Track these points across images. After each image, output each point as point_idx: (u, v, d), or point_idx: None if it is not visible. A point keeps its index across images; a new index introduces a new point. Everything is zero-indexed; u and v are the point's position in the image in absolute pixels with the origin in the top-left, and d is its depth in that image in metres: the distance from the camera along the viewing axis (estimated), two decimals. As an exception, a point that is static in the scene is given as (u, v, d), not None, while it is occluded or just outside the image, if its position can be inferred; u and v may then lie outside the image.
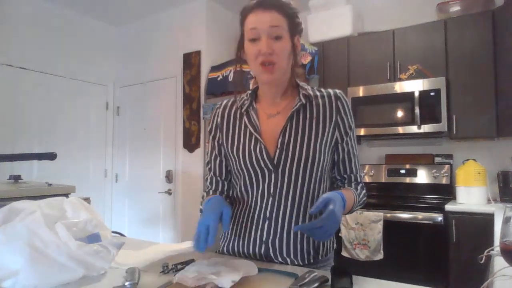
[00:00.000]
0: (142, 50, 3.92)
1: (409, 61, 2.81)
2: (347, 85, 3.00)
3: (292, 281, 0.78)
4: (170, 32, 3.69)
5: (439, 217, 2.35)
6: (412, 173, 2.95)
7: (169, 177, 3.59)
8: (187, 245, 1.13)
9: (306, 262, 1.01)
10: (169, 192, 3.59)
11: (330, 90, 1.07)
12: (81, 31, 3.77)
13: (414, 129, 2.71)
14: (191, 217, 3.36)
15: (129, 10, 3.72)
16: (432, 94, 2.66)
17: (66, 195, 1.84)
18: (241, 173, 1.07)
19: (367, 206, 2.54)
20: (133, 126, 3.95)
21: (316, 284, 0.77)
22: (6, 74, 3.19)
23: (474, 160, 2.57)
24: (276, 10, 0.96)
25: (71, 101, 3.67)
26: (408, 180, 2.96)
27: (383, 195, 2.97)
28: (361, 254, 2.48)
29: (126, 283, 0.78)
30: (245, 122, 1.08)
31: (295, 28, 1.01)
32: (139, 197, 3.83)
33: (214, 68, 3.39)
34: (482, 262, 1.06)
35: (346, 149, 1.06)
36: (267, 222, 1.02)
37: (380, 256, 2.42)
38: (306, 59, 2.99)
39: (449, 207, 2.37)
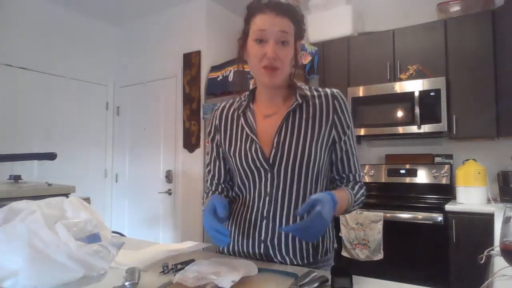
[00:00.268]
0: (142, 50, 3.92)
1: (409, 61, 2.81)
2: (347, 85, 3.00)
3: (292, 281, 0.78)
4: (170, 32, 3.69)
5: (439, 217, 2.35)
6: (412, 173, 2.95)
7: (169, 177, 3.59)
8: (187, 245, 1.13)
9: (306, 262, 1.01)
10: (169, 192, 3.59)
11: (328, 90, 1.07)
12: (81, 31, 3.77)
13: (414, 129, 2.71)
14: (191, 217, 3.36)
15: (129, 10, 3.72)
16: (432, 94, 2.66)
17: (66, 195, 1.84)
18: (239, 173, 1.07)
19: (367, 206, 2.54)
20: (133, 126, 3.95)
21: (316, 284, 0.77)
22: (6, 74, 3.19)
23: (474, 160, 2.57)
24: (288, 16, 0.96)
25: (71, 101, 3.67)
26: (408, 180, 2.96)
27: (383, 195, 2.97)
28: (361, 254, 2.48)
29: (126, 283, 0.78)
30: (241, 123, 1.09)
31: (300, 34, 1.02)
32: (139, 197, 3.83)
33: (214, 68, 3.39)
34: (482, 262, 1.06)
35: (344, 148, 1.06)
36: (264, 222, 1.03)
37: (380, 256, 2.42)
38: (306, 59, 2.99)
39: (449, 207, 2.37)
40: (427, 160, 2.98)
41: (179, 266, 0.90)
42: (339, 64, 3.09)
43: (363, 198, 1.08)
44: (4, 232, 0.80)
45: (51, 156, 2.17)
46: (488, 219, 2.15)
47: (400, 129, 2.77)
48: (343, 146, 1.05)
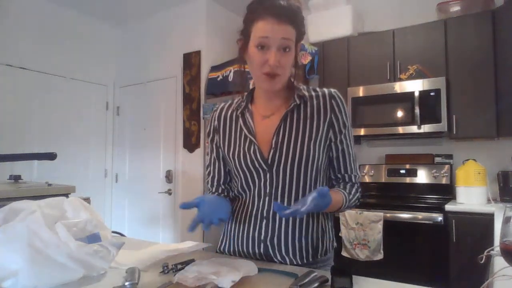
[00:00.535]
0: (142, 50, 3.92)
1: (409, 61, 2.81)
2: (347, 85, 3.00)
3: (292, 281, 0.78)
4: (170, 32, 3.69)
5: (439, 217, 2.35)
6: (412, 173, 2.95)
7: (169, 177, 3.59)
8: (187, 245, 1.13)
9: (305, 261, 1.02)
10: (169, 192, 3.58)
11: (325, 90, 1.07)
12: (81, 31, 3.77)
13: (414, 129, 2.71)
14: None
15: (129, 10, 3.72)
16: (432, 94, 2.66)
17: (66, 195, 1.84)
18: (238, 174, 1.08)
19: (367, 206, 2.54)
20: (133, 126, 3.95)
21: (316, 284, 0.77)
22: (6, 74, 3.19)
23: (474, 160, 2.57)
24: (290, 22, 0.95)
25: (71, 101, 3.67)
26: (408, 180, 2.96)
27: (383, 195, 2.97)
28: (361, 254, 2.48)
29: (126, 283, 0.78)
30: (240, 124, 1.09)
31: (300, 36, 1.02)
32: (139, 197, 3.83)
33: (214, 68, 3.39)
34: (482, 262, 1.06)
35: (340, 148, 1.06)
36: (264, 222, 1.03)
37: (380, 256, 2.42)
38: (306, 59, 2.99)
39: (449, 207, 2.37)
40: (427, 160, 2.98)
41: (179, 266, 0.90)
42: (339, 64, 3.09)
43: (357, 202, 1.08)
44: (4, 232, 0.80)
45: (51, 156, 2.17)
46: (488, 219, 2.15)
47: (400, 129, 2.77)
48: (339, 145, 1.05)
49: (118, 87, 4.10)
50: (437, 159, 2.97)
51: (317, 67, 3.09)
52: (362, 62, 2.99)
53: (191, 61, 3.48)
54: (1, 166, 2.72)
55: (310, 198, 0.85)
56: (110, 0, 3.49)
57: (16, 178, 2.27)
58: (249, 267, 0.85)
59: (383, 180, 3.05)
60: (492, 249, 1.09)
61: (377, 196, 2.97)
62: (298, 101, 1.04)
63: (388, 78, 2.87)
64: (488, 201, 2.48)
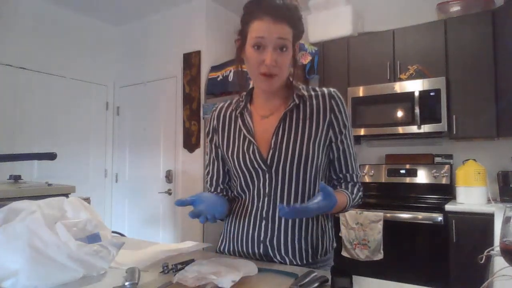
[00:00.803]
0: (142, 50, 3.92)
1: (409, 61, 2.81)
2: (347, 85, 3.00)
3: (292, 281, 0.78)
4: (170, 32, 3.69)
5: (439, 217, 2.35)
6: (412, 173, 2.95)
7: (169, 177, 3.59)
8: (187, 245, 1.13)
9: (305, 262, 1.01)
10: (169, 192, 3.58)
11: (325, 89, 1.07)
12: (81, 31, 3.77)
13: (414, 129, 2.71)
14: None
15: (129, 10, 3.72)
16: (432, 94, 2.66)
17: (66, 195, 1.84)
18: (237, 174, 1.08)
19: (367, 206, 2.54)
20: (133, 126, 3.95)
21: (316, 284, 0.77)
22: (6, 74, 3.19)
23: (474, 160, 2.57)
24: (286, 21, 0.95)
25: (71, 101, 3.67)
26: (408, 180, 2.96)
27: (383, 195, 2.97)
28: (361, 254, 2.48)
29: (126, 283, 0.78)
30: (239, 124, 1.09)
31: (298, 35, 1.01)
32: (139, 197, 3.83)
33: (214, 68, 3.39)
34: (482, 262, 1.06)
35: (341, 148, 1.05)
36: (264, 222, 1.03)
37: (380, 256, 2.42)
38: (306, 59, 2.99)
39: (449, 207, 2.37)
40: (427, 160, 2.98)
41: (179, 266, 0.90)
42: (339, 64, 3.09)
43: (360, 201, 1.08)
44: (4, 232, 0.80)
45: (51, 156, 2.18)
46: (488, 219, 2.15)
47: (400, 129, 2.77)
48: (340, 145, 1.05)
49: (118, 87, 4.10)
50: (437, 159, 2.97)
51: (317, 67, 3.10)
52: (362, 62, 2.99)
53: (191, 61, 3.48)
54: (1, 166, 2.72)
55: (315, 201, 0.85)
56: (110, 0, 3.49)
57: (16, 178, 2.27)
58: (249, 267, 0.85)
59: (383, 180, 3.05)
60: (492, 249, 1.09)
61: (377, 196, 2.96)
62: (297, 101, 1.04)
63: (388, 78, 2.87)
64: (488, 201, 2.48)
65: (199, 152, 3.38)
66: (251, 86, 1.14)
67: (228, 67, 3.22)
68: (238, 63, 1.07)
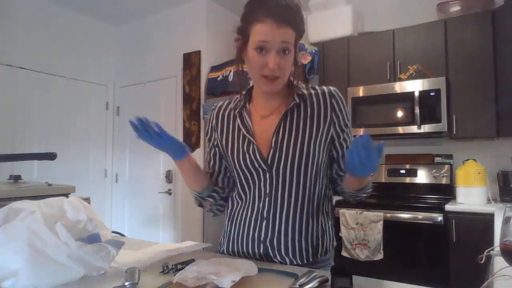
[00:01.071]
0: (142, 50, 3.92)
1: (409, 61, 2.81)
2: (347, 85, 3.00)
3: (292, 281, 0.78)
4: (170, 32, 3.69)
5: (439, 217, 2.35)
6: (412, 173, 2.95)
7: (169, 177, 3.59)
8: (187, 245, 1.13)
9: (305, 262, 1.01)
10: (169, 192, 3.59)
11: (325, 88, 1.07)
12: (81, 31, 3.77)
13: (414, 129, 2.71)
14: (191, 217, 3.36)
15: (129, 10, 3.72)
16: (432, 94, 2.66)
17: (66, 195, 1.84)
18: (238, 174, 1.07)
19: (367, 206, 2.54)
20: (133, 126, 3.94)
21: (316, 284, 0.77)
22: (6, 74, 3.19)
23: (474, 160, 2.57)
24: (289, 24, 0.94)
25: (71, 101, 3.67)
26: (408, 180, 2.96)
27: (383, 195, 2.97)
28: (361, 254, 2.48)
29: (126, 283, 0.78)
30: (238, 124, 1.09)
31: (300, 36, 1.00)
32: (139, 197, 3.83)
33: (214, 68, 3.39)
34: (482, 262, 1.06)
35: (344, 146, 1.05)
36: (264, 222, 1.03)
37: (380, 256, 2.42)
38: (306, 59, 2.99)
39: (449, 207, 2.37)
40: (427, 160, 2.98)
41: (179, 266, 0.90)
42: (339, 64, 3.09)
43: (370, 190, 1.06)
44: (4, 232, 0.80)
45: (51, 156, 2.18)
46: (488, 219, 2.15)
47: (400, 129, 2.77)
48: (343, 143, 1.05)
49: (118, 87, 4.10)
50: (437, 159, 2.97)
51: (317, 67, 3.09)
52: (362, 62, 2.99)
53: (191, 61, 3.48)
54: (1, 166, 2.72)
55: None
56: (110, 0, 3.49)
57: (16, 178, 2.27)
58: (249, 267, 0.85)
59: (383, 180, 3.05)
60: (492, 249, 1.09)
61: (377, 196, 2.96)
62: (297, 100, 1.04)
63: (388, 78, 2.87)
64: (488, 201, 2.48)
65: (199, 152, 3.38)
66: (250, 85, 1.14)
67: (228, 67, 3.23)
68: (238, 63, 1.06)
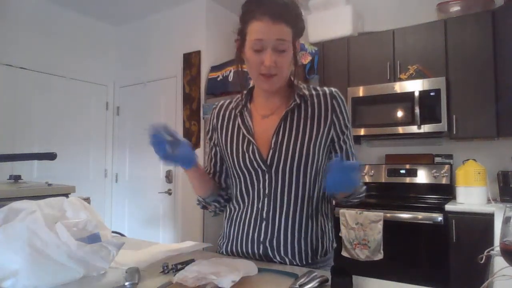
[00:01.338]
0: (142, 50, 3.92)
1: (409, 61, 2.81)
2: (347, 85, 3.00)
3: (292, 281, 0.78)
4: (170, 32, 3.69)
5: (439, 217, 2.35)
6: (412, 173, 2.95)
7: (169, 177, 3.59)
8: (187, 245, 1.13)
9: (305, 262, 1.01)
10: (169, 192, 3.59)
11: (326, 89, 1.06)
12: (81, 31, 3.77)
13: (414, 129, 2.71)
14: (191, 217, 3.36)
15: (129, 10, 3.72)
16: (432, 94, 2.66)
17: (66, 195, 1.84)
18: (237, 175, 1.07)
19: (367, 206, 2.54)
20: (133, 126, 3.94)
21: (316, 284, 0.77)
22: (6, 74, 3.19)
23: (474, 160, 2.57)
24: (285, 21, 0.93)
25: (71, 101, 3.67)
26: (408, 180, 2.96)
27: (383, 195, 2.97)
28: (361, 254, 2.48)
29: (126, 283, 0.78)
30: (238, 123, 1.08)
31: (298, 33, 0.99)
32: (139, 197, 3.83)
33: (214, 68, 3.39)
34: (482, 262, 1.06)
35: (344, 148, 1.05)
36: (264, 223, 1.02)
37: (380, 256, 2.42)
38: (306, 59, 2.99)
39: (449, 207, 2.37)
40: (427, 160, 2.98)
41: (179, 266, 0.90)
42: (339, 64, 3.09)
43: (364, 194, 1.07)
44: (4, 232, 0.80)
45: (51, 156, 2.17)
46: (488, 219, 2.15)
47: (400, 129, 2.77)
48: (343, 145, 1.05)
49: (118, 87, 4.10)
50: (437, 159, 2.97)
51: (317, 67, 3.09)
52: (362, 62, 2.99)
53: (191, 61, 3.48)
54: (1, 166, 2.72)
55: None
56: (110, 0, 3.49)
57: (16, 178, 2.27)
58: (249, 267, 0.85)
59: (383, 180, 3.05)
60: (492, 249, 1.09)
61: (377, 196, 2.96)
62: (298, 101, 1.03)
63: (388, 78, 2.87)
64: (488, 201, 2.48)
65: (199, 152, 3.38)
66: (251, 85, 1.14)
67: (228, 67, 3.22)
68: (238, 63, 1.06)
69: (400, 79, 2.82)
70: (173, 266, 0.91)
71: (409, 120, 2.73)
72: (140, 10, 3.70)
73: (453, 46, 2.68)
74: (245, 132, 1.06)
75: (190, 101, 3.47)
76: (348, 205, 1.09)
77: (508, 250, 0.79)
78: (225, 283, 0.75)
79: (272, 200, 1.02)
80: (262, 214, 1.03)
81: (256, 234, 1.03)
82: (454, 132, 2.66)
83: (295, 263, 1.00)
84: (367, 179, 3.10)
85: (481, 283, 0.84)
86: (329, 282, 0.78)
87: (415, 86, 2.72)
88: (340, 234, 2.57)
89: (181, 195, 3.49)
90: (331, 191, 0.86)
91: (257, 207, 1.04)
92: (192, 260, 0.93)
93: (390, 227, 2.44)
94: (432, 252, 2.35)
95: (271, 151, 1.01)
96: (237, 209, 1.10)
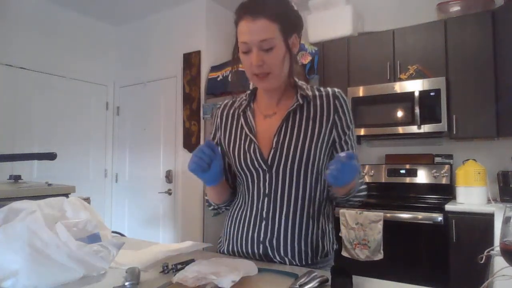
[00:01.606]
0: (142, 50, 3.92)
1: (409, 61, 2.81)
2: (347, 85, 3.00)
3: (292, 281, 0.78)
4: (170, 32, 3.69)
5: (439, 217, 2.35)
6: (412, 173, 2.95)
7: (169, 177, 3.59)
8: (187, 245, 1.13)
9: (305, 263, 1.01)
10: (169, 192, 3.59)
11: (329, 89, 1.06)
12: (81, 31, 3.78)
13: (414, 129, 2.71)
14: (191, 217, 3.36)
15: (129, 10, 3.72)
16: (432, 94, 2.66)
17: (66, 195, 1.84)
18: (238, 173, 1.08)
19: (367, 206, 2.54)
20: (133, 126, 3.95)
21: (316, 284, 0.77)
22: (6, 74, 3.19)
23: (474, 160, 2.57)
24: (266, 16, 0.92)
25: (71, 101, 3.67)
26: (408, 180, 2.96)
27: (383, 195, 2.97)
28: (361, 254, 2.48)
29: (126, 283, 0.78)
30: (241, 123, 1.09)
31: (289, 29, 0.97)
32: (139, 197, 3.83)
33: (214, 68, 3.39)
34: (482, 262, 1.06)
35: (345, 148, 1.04)
36: (264, 223, 1.02)
37: (380, 256, 2.42)
38: (306, 59, 2.99)
39: (449, 207, 2.37)
40: (427, 160, 2.98)
41: (179, 266, 0.90)
42: (339, 64, 3.09)
43: (365, 193, 1.06)
44: (4, 232, 0.80)
45: (51, 156, 2.18)
46: (488, 219, 2.15)
47: (400, 129, 2.77)
48: (344, 145, 1.04)
49: (118, 87, 4.10)
50: (437, 159, 2.97)
51: (317, 67, 3.09)
52: (362, 62, 2.99)
53: (191, 61, 3.48)
54: (1, 166, 2.72)
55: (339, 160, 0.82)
56: (110, 0, 3.49)
57: (16, 178, 2.27)
58: (249, 267, 0.85)
59: (383, 180, 3.05)
60: (492, 249, 1.09)
61: (377, 196, 2.96)
62: (301, 101, 1.03)
63: (388, 78, 2.87)
64: (488, 201, 2.48)
65: (199, 152, 3.37)
66: (251, 86, 1.14)
67: (228, 67, 3.23)
68: (233, 64, 1.08)
69: (400, 79, 2.82)
70: (173, 266, 0.91)
71: (409, 120, 2.73)
72: (140, 10, 3.70)
73: (453, 46, 2.68)
74: (247, 131, 1.06)
75: (190, 101, 3.48)
76: (349, 205, 1.08)
77: (508, 250, 0.79)
78: (225, 283, 0.75)
79: (272, 200, 1.02)
80: (262, 213, 1.03)
81: (256, 234, 1.03)
82: (454, 132, 2.66)
83: (295, 263, 1.00)
84: (367, 179, 3.10)
85: (481, 283, 0.84)
86: (329, 282, 0.78)
87: (415, 86, 2.72)
88: (340, 234, 2.57)
89: (181, 195, 3.49)
90: (331, 182, 0.85)
91: (257, 206, 1.04)
92: (192, 260, 0.93)
93: (390, 227, 2.44)
94: (432, 252, 2.35)
95: (272, 150, 1.01)
96: (237, 209, 1.10)
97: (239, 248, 1.07)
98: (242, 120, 1.09)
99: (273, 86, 1.02)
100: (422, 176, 2.91)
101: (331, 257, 1.09)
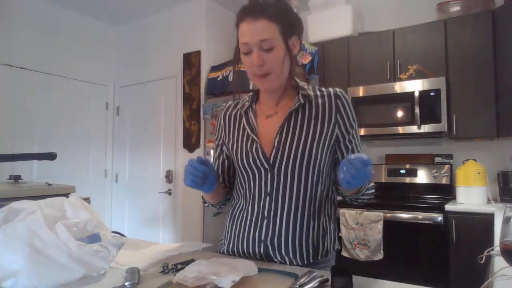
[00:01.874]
0: (142, 50, 3.92)
1: (409, 61, 2.81)
2: (347, 85, 3.00)
3: (292, 281, 0.78)
4: (170, 32, 3.69)
5: (439, 217, 2.35)
6: (412, 173, 2.95)
7: (169, 177, 3.59)
8: (187, 245, 1.13)
9: (305, 262, 1.01)
10: (169, 192, 3.59)
11: (331, 89, 1.07)
12: (81, 31, 3.78)
13: (414, 129, 2.71)
14: (191, 217, 3.36)
15: (129, 10, 3.72)
16: (432, 94, 2.66)
17: (66, 195, 1.84)
18: (240, 172, 1.08)
19: (367, 206, 2.54)
20: (133, 126, 3.95)
21: (316, 284, 0.77)
22: (6, 74, 3.19)
23: (474, 160, 2.57)
24: (266, 17, 0.94)
25: (71, 101, 3.67)
26: (408, 180, 2.96)
27: (383, 195, 2.97)
28: (361, 254, 2.48)
29: (126, 283, 0.78)
30: (243, 123, 1.10)
31: (289, 30, 0.99)
32: (139, 197, 3.83)
33: (214, 68, 3.39)
34: (482, 262, 1.06)
35: (350, 147, 1.05)
36: (265, 222, 1.03)
37: (380, 256, 2.42)
38: (306, 59, 2.99)
39: (449, 207, 2.37)
40: (427, 160, 2.98)
41: (179, 266, 0.90)
42: (339, 64, 3.09)
43: (373, 191, 1.06)
44: (4, 232, 0.80)
45: (51, 156, 2.17)
46: (488, 219, 2.15)
47: (400, 129, 2.77)
48: (349, 145, 1.05)
49: (118, 87, 4.10)
50: (437, 159, 2.97)
51: (317, 67, 3.09)
52: (362, 62, 2.99)
53: (191, 61, 3.48)
54: (1, 166, 2.72)
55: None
56: (110, 0, 3.49)
57: (16, 178, 2.27)
58: (249, 267, 0.85)
59: (383, 180, 3.05)
60: (492, 249, 1.09)
61: (377, 196, 2.93)
62: (302, 101, 1.04)
63: (388, 78, 2.87)
64: (488, 201, 2.48)
65: (199, 152, 3.38)
66: (251, 86, 1.15)
67: (228, 67, 3.23)
68: (235, 64, 1.08)
69: (400, 79, 2.82)
70: (173, 266, 0.91)
71: (409, 120, 2.73)
72: (140, 10, 3.70)
73: (453, 46, 2.68)
74: (249, 131, 1.07)
75: (190, 101, 3.48)
76: (356, 204, 1.08)
77: (508, 250, 0.79)
78: (225, 283, 0.75)
79: (273, 199, 1.02)
80: (264, 212, 1.03)
81: (257, 233, 1.04)
82: (454, 132, 2.66)
83: (295, 263, 1.01)
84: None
85: (481, 283, 0.84)
86: (329, 282, 0.78)
87: (415, 86, 2.72)
88: (340, 234, 2.57)
89: (181, 195, 3.49)
90: (345, 185, 0.84)
91: (259, 205, 1.04)
92: (192, 260, 0.93)
93: (390, 227, 2.44)
94: (432, 252, 2.35)
95: (274, 150, 1.02)
96: (239, 208, 1.11)
97: (240, 248, 1.07)
98: (244, 120, 1.10)
99: (274, 87, 1.02)
100: (422, 176, 2.91)
101: (332, 257, 1.09)
